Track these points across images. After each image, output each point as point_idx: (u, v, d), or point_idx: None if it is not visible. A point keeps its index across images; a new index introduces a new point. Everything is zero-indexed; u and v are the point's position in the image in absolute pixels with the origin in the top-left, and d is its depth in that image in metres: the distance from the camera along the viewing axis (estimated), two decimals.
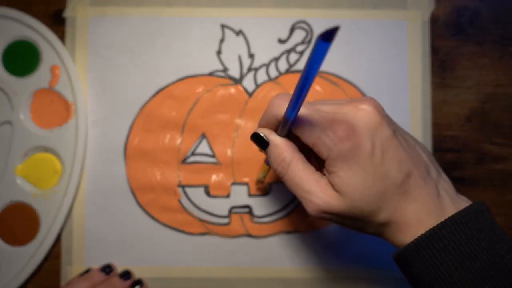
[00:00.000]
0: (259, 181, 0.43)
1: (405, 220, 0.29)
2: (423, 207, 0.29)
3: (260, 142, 0.32)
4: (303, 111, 0.29)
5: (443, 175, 0.32)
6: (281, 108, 0.30)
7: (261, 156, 0.43)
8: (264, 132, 0.32)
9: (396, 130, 0.30)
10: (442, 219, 0.29)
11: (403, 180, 0.29)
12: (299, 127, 0.30)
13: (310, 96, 0.43)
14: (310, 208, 0.30)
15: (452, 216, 0.28)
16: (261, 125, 0.32)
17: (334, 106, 0.30)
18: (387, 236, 0.31)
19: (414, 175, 0.29)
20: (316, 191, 0.30)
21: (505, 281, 0.27)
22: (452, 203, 0.30)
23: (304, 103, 0.28)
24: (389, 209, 0.29)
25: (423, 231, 0.29)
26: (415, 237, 0.29)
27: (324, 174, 0.31)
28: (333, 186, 0.30)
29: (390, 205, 0.29)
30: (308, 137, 0.30)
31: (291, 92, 0.43)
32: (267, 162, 0.34)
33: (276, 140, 0.31)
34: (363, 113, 0.29)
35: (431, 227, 0.29)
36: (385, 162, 0.29)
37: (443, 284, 0.28)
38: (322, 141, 0.29)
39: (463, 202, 0.30)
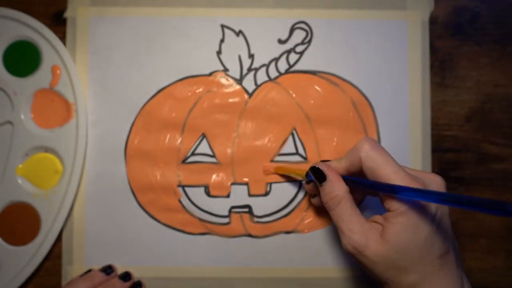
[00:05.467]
0: (276, 170, 0.43)
1: None
2: None
3: (318, 175, 0.35)
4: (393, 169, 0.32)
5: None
6: (373, 161, 0.32)
7: (261, 156, 0.43)
8: (324, 168, 0.35)
9: None
10: None
11: (442, 254, 0.31)
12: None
13: (309, 97, 0.43)
14: (347, 243, 0.32)
15: None
16: (345, 157, 0.35)
17: (410, 170, 0.33)
18: None
19: (450, 254, 0.32)
20: (358, 231, 0.32)
21: None
22: None
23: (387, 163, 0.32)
24: (421, 273, 0.31)
25: None
26: None
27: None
28: (382, 232, 0.32)
29: (424, 269, 0.31)
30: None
31: (291, 91, 0.43)
32: (308, 182, 0.38)
33: (333, 178, 0.34)
34: (435, 179, 0.32)
35: None
36: (438, 231, 0.31)
37: None
38: (398, 197, 0.31)
39: None
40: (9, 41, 0.43)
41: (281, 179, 0.43)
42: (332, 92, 0.43)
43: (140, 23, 0.44)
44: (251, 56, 0.44)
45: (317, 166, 0.35)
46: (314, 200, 0.40)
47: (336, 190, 0.34)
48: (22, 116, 0.43)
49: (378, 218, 0.33)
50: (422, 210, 0.31)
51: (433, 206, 0.31)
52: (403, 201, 0.31)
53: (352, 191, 0.34)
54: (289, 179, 0.43)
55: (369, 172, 0.32)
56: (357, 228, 0.32)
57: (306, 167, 0.37)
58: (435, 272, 0.31)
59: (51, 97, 0.43)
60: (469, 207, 0.25)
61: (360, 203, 0.38)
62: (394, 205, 0.31)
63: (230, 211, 0.43)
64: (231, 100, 0.43)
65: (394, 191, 0.30)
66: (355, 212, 0.33)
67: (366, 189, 0.37)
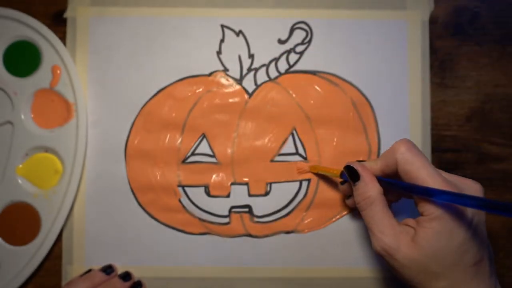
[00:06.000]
0: (311, 169, 0.43)
1: None
2: None
3: (352, 174, 0.35)
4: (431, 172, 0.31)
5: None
6: (409, 163, 0.32)
7: (261, 156, 0.43)
8: (358, 168, 0.35)
9: None
10: None
11: (476, 262, 0.31)
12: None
13: (309, 97, 0.43)
14: (378, 244, 0.32)
15: None
16: (381, 159, 0.34)
17: (446, 174, 0.33)
18: None
19: (484, 263, 0.31)
20: (389, 234, 0.32)
21: None
22: None
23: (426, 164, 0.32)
24: (452, 281, 0.31)
25: None
26: None
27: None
28: (414, 236, 0.31)
29: (455, 276, 0.30)
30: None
31: (291, 91, 0.43)
32: (342, 183, 0.39)
33: (367, 178, 0.34)
34: (473, 185, 0.32)
35: None
36: (473, 238, 0.30)
37: None
38: (433, 200, 0.30)
39: None
40: (9, 41, 0.43)
41: (281, 179, 0.43)
42: (332, 92, 0.43)
43: (140, 23, 0.44)
44: (251, 56, 0.44)
45: (351, 165, 0.35)
46: (349, 201, 0.41)
47: (369, 190, 0.33)
48: (22, 116, 0.43)
49: (410, 221, 0.33)
50: (457, 216, 0.30)
51: (469, 212, 0.30)
52: (438, 206, 0.30)
53: (386, 192, 0.34)
54: (322, 176, 0.43)
55: (404, 174, 0.32)
56: (389, 231, 0.32)
57: (340, 167, 0.37)
58: (467, 280, 0.30)
59: (51, 97, 0.43)
60: (509, 214, 0.24)
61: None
62: (428, 209, 0.30)
63: (230, 211, 0.43)
64: (231, 100, 0.44)
65: (429, 194, 0.29)
66: (387, 214, 0.33)
67: (401, 191, 0.36)
